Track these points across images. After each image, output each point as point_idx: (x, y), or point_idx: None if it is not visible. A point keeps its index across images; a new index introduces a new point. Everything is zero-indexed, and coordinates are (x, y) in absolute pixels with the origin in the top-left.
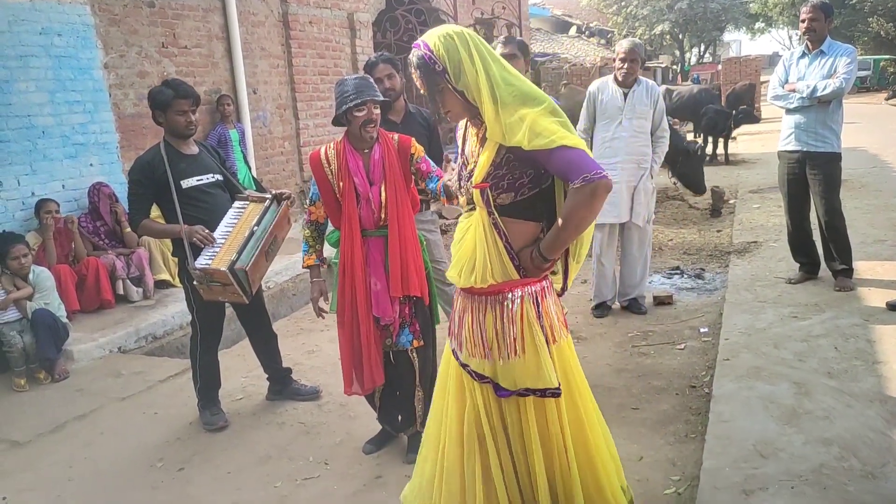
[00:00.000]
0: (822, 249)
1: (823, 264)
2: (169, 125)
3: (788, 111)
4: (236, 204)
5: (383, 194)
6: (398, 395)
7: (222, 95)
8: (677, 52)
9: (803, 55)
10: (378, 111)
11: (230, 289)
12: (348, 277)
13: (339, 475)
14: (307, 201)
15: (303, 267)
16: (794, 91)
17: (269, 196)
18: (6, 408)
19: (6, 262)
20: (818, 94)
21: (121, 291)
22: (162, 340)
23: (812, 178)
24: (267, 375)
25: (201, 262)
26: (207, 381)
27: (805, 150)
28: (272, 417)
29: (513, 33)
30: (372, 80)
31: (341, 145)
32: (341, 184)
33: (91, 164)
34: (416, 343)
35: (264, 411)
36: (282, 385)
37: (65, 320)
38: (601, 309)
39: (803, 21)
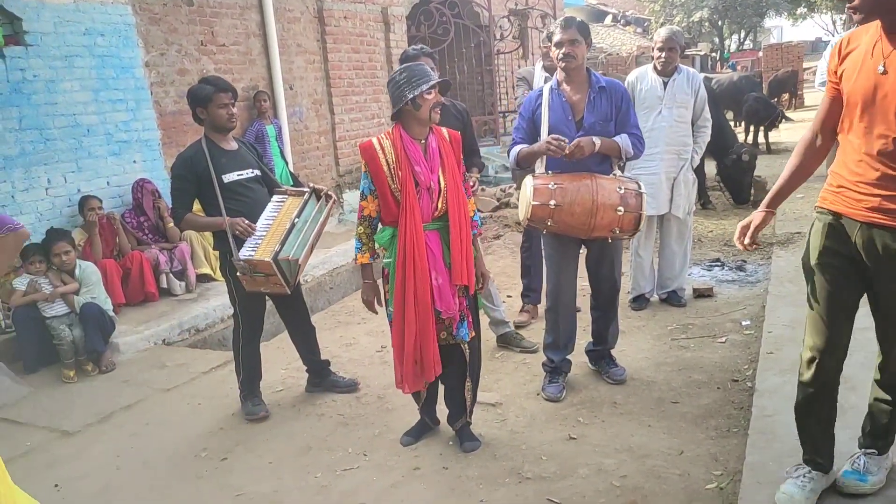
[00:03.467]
0: None
1: None
2: (211, 120)
3: None
4: (275, 198)
5: (442, 182)
6: (444, 387)
7: (259, 92)
8: (716, 40)
9: None
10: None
11: (273, 279)
12: (409, 272)
13: (378, 466)
14: (361, 195)
15: (357, 264)
16: None
17: (308, 190)
18: (56, 399)
19: (50, 259)
20: None
21: (164, 285)
22: (204, 333)
23: None
24: (306, 368)
25: (245, 253)
26: (249, 373)
27: None
28: (311, 409)
29: (547, 23)
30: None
31: (396, 133)
32: (400, 173)
33: (134, 161)
34: (471, 334)
35: (304, 403)
36: (321, 377)
37: (111, 313)
38: (639, 301)
39: (850, 6)
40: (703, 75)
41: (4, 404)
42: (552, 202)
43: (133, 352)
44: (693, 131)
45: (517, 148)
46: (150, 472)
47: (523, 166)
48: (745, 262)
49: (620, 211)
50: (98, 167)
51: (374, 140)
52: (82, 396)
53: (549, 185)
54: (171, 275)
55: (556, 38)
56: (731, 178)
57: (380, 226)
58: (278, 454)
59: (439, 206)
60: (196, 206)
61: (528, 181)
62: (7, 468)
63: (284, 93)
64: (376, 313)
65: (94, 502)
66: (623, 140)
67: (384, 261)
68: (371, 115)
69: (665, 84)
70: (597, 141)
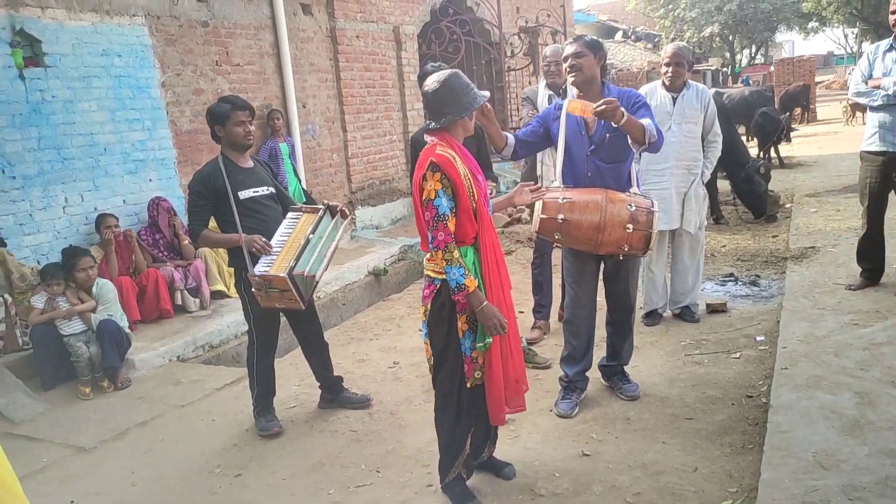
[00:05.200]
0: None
1: (886, 270)
2: (229, 137)
3: (873, 109)
4: (290, 215)
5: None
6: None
7: (273, 110)
8: (727, 55)
9: (890, 48)
10: None
11: (287, 294)
12: (498, 291)
13: (391, 483)
14: (440, 217)
15: (465, 294)
16: (878, 87)
17: (322, 207)
18: (73, 415)
19: (74, 275)
20: None
21: (179, 302)
22: (218, 349)
23: None
24: (319, 384)
25: (260, 269)
26: (263, 389)
27: (892, 150)
28: (325, 425)
29: (557, 40)
30: None
31: (453, 143)
32: (475, 185)
33: (150, 180)
34: None
35: (317, 419)
36: (334, 393)
37: (127, 330)
38: (652, 317)
39: (894, 13)
40: (713, 90)
41: (21, 421)
42: (560, 216)
43: (148, 368)
44: (703, 146)
45: (515, 134)
46: (164, 488)
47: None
48: (758, 276)
49: (629, 228)
50: (114, 185)
51: (444, 153)
52: (98, 413)
53: (559, 199)
54: (185, 292)
55: (564, 53)
56: (747, 193)
57: (460, 248)
58: (292, 470)
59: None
60: (211, 223)
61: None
62: (23, 484)
63: (298, 111)
64: (505, 332)
65: None
66: (647, 123)
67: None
68: (383, 132)
69: (674, 100)
70: (625, 113)
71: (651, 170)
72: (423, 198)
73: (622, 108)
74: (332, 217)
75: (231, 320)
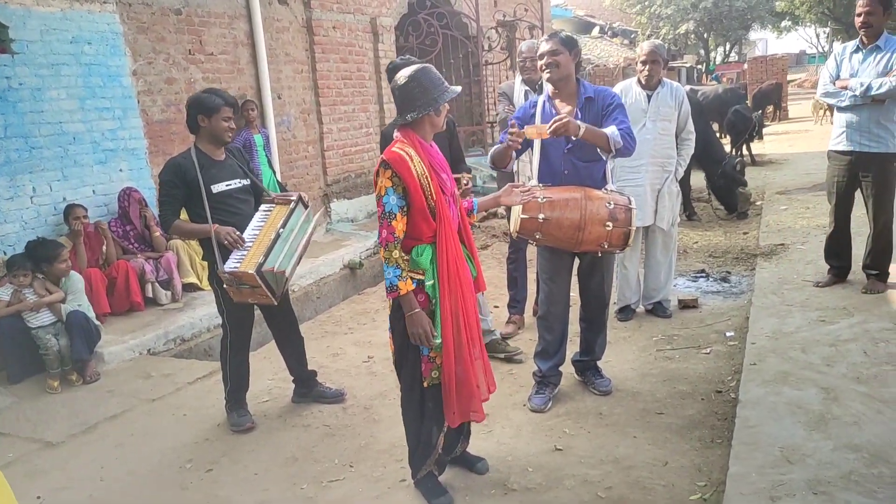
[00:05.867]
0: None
1: (853, 267)
2: (212, 130)
3: (840, 109)
4: (262, 207)
5: (455, 189)
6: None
7: (247, 101)
8: (702, 52)
9: (857, 50)
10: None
11: (258, 291)
12: (456, 291)
13: (364, 477)
14: (386, 214)
15: (397, 295)
16: (846, 88)
17: (294, 198)
18: (40, 409)
19: (55, 266)
20: (872, 91)
21: (150, 294)
22: (190, 343)
23: (865, 179)
24: (293, 378)
25: (230, 265)
26: (236, 383)
27: (858, 150)
28: (298, 420)
29: (535, 35)
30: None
31: (414, 140)
32: (433, 183)
33: (121, 170)
34: None
35: (290, 413)
36: (307, 388)
37: (97, 322)
38: (625, 312)
39: (859, 14)
40: (688, 87)
41: None
42: (541, 215)
43: (118, 362)
44: (677, 144)
45: (493, 148)
46: (134, 483)
47: (498, 166)
48: (729, 273)
49: (609, 226)
50: (84, 175)
51: (399, 150)
52: (66, 407)
53: (539, 199)
54: (156, 284)
55: (539, 50)
56: (722, 189)
57: (415, 246)
58: (264, 465)
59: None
60: (183, 215)
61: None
62: None
63: (272, 102)
64: (433, 345)
65: None
66: (611, 132)
67: (427, 284)
68: (359, 124)
69: (649, 97)
70: (582, 125)
71: (625, 166)
72: (376, 194)
73: (576, 122)
74: (306, 208)
75: (203, 313)
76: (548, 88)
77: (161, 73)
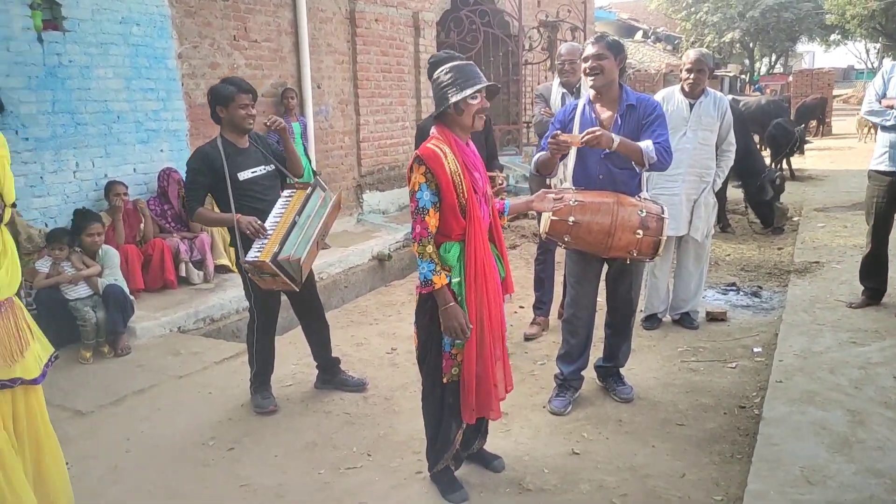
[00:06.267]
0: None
1: (889, 290)
2: (230, 119)
3: (884, 128)
4: (284, 194)
5: (488, 189)
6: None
7: (287, 89)
8: (747, 62)
9: None
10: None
11: (279, 279)
12: (482, 290)
13: (381, 467)
14: (419, 210)
15: (431, 289)
16: (891, 107)
17: (312, 183)
18: (72, 378)
19: (81, 238)
20: None
21: (183, 273)
22: (219, 323)
23: None
24: (316, 364)
25: (251, 255)
26: (262, 366)
27: None
28: (319, 406)
29: (577, 37)
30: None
31: (450, 138)
32: (465, 181)
33: (161, 150)
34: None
35: (312, 399)
36: (330, 374)
37: (131, 297)
38: (651, 321)
39: None
40: (730, 97)
41: None
42: (571, 218)
43: (149, 337)
44: (717, 155)
45: (538, 154)
46: (158, 456)
47: (543, 173)
48: (760, 288)
49: (639, 234)
50: (126, 154)
51: (434, 147)
52: (97, 378)
53: (570, 202)
54: (190, 264)
55: (584, 53)
56: (759, 203)
57: (444, 243)
58: (284, 448)
59: (489, 212)
60: (210, 200)
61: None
62: None
63: (312, 91)
64: (467, 338)
65: (103, 482)
66: (646, 146)
67: (453, 281)
68: (396, 117)
69: (692, 106)
70: (616, 138)
71: (663, 175)
72: (409, 189)
73: (610, 136)
74: (323, 192)
75: (233, 295)
76: (589, 92)
77: (206, 57)
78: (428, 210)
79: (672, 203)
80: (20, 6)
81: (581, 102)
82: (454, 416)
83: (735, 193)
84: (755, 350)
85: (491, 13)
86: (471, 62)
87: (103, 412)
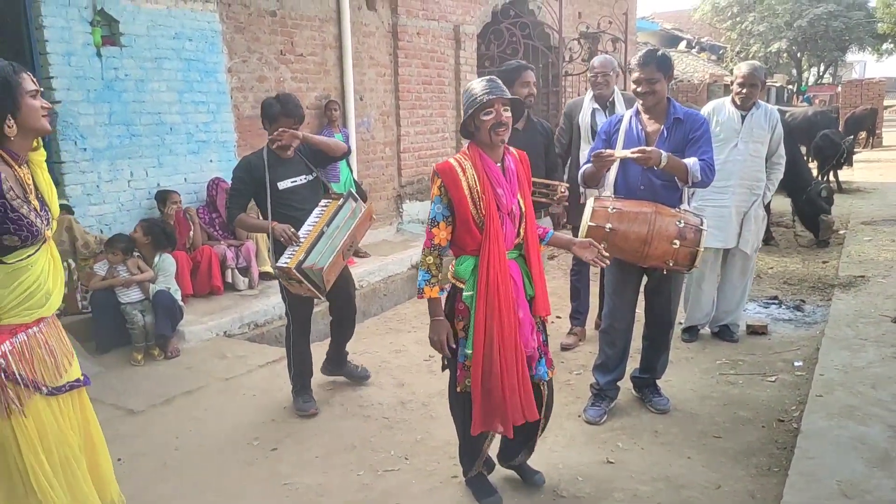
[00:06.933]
0: None
1: None
2: (271, 136)
3: None
4: (321, 203)
5: (522, 206)
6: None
7: (330, 101)
8: (794, 72)
9: None
10: (508, 113)
11: (304, 285)
12: (494, 306)
13: (418, 470)
14: (430, 220)
15: (422, 298)
16: None
17: (345, 195)
18: (124, 379)
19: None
20: None
21: (229, 280)
22: (263, 328)
23: None
24: (328, 352)
25: (281, 261)
26: (300, 369)
27: None
28: (358, 410)
29: (618, 48)
30: (499, 80)
31: (475, 154)
32: (484, 197)
33: (211, 161)
34: (551, 373)
35: (352, 403)
36: (336, 367)
37: (181, 303)
38: (691, 333)
39: None
40: (776, 108)
41: None
42: (608, 225)
43: (197, 341)
44: (766, 167)
45: (583, 167)
46: (205, 454)
47: (589, 185)
48: (803, 302)
49: (676, 244)
50: (177, 164)
51: (453, 161)
52: (148, 379)
53: (609, 209)
54: (236, 271)
55: (634, 74)
56: (805, 215)
57: (460, 256)
58: (325, 449)
59: (520, 232)
60: (253, 208)
61: (590, 202)
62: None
63: (354, 103)
64: (449, 355)
65: (153, 478)
66: (692, 164)
67: (465, 294)
68: (436, 129)
69: (743, 118)
70: (664, 157)
71: (713, 186)
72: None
73: (658, 154)
74: (356, 202)
75: (276, 301)
76: (637, 104)
77: (254, 71)
78: (438, 222)
79: (721, 215)
80: (81, 23)
81: (627, 114)
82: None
83: (779, 206)
84: (796, 364)
85: (531, 25)
86: (491, 77)
87: (153, 411)
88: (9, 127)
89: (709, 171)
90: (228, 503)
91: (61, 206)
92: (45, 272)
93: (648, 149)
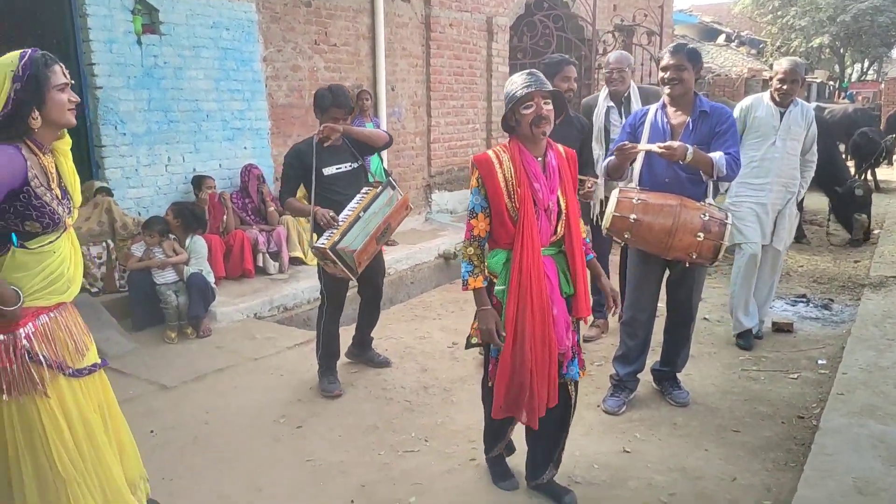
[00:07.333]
0: None
1: None
2: (323, 123)
3: None
4: (363, 190)
5: (562, 203)
6: (536, 433)
7: (362, 91)
8: (836, 68)
9: None
10: (550, 107)
11: (338, 266)
12: (525, 302)
13: (437, 452)
14: (469, 212)
15: (467, 289)
16: None
17: (384, 183)
18: (158, 356)
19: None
20: None
21: (260, 263)
22: (291, 311)
23: None
24: (353, 337)
25: (319, 242)
26: (328, 350)
27: None
28: (382, 392)
29: (653, 41)
30: (539, 73)
31: (514, 148)
32: (519, 190)
33: (245, 147)
34: (582, 373)
35: (375, 386)
36: (361, 350)
37: (213, 285)
38: (745, 339)
39: None
40: (815, 104)
41: (113, 356)
42: (633, 216)
43: (228, 322)
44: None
45: (607, 159)
46: (234, 430)
47: (613, 177)
48: (832, 300)
49: (700, 237)
50: (213, 150)
51: (491, 153)
52: (181, 356)
53: (634, 200)
54: (267, 255)
55: (663, 62)
56: (843, 214)
57: (493, 249)
58: (348, 429)
59: (558, 229)
60: (302, 192)
61: (615, 192)
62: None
63: (386, 93)
64: (500, 345)
65: (184, 451)
66: (718, 158)
67: (496, 288)
68: (466, 119)
69: (781, 115)
70: (690, 149)
71: (749, 183)
72: None
73: (685, 148)
74: (393, 190)
75: (306, 286)
76: (665, 98)
77: (288, 60)
78: (477, 214)
79: (758, 213)
80: (123, 12)
81: (653, 108)
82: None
83: (813, 204)
84: (820, 362)
85: (565, 17)
86: (532, 70)
87: (185, 388)
88: (34, 119)
89: (734, 165)
90: (254, 477)
91: (101, 188)
92: (68, 259)
93: (675, 144)
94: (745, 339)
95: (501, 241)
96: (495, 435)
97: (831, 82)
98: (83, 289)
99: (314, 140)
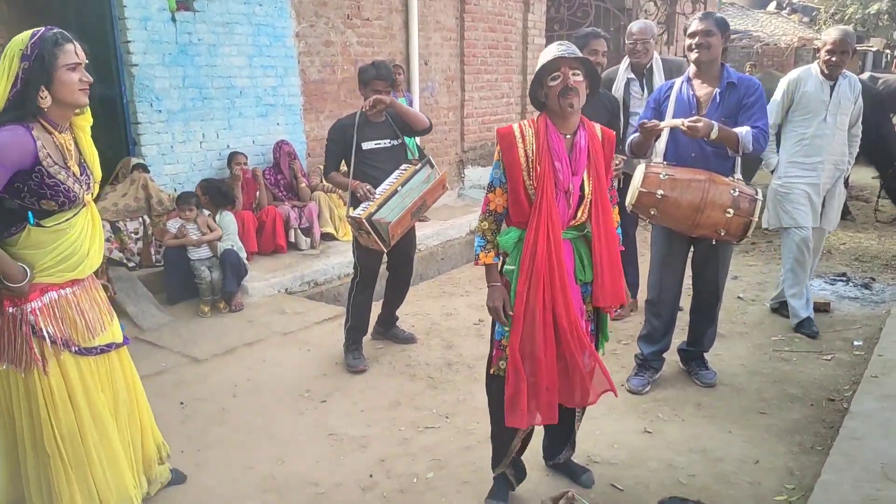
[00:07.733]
0: None
1: None
2: (365, 97)
3: None
4: (402, 166)
5: (587, 188)
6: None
7: (395, 65)
8: (894, 35)
9: None
10: (580, 77)
11: (371, 237)
12: (537, 284)
13: (457, 429)
14: (488, 185)
15: (479, 264)
16: None
17: (423, 161)
18: (191, 329)
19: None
20: None
21: (292, 239)
22: (321, 287)
23: None
24: (379, 316)
25: (356, 212)
26: (356, 322)
27: None
28: (405, 369)
29: (697, 8)
30: (571, 43)
31: (541, 123)
32: (539, 168)
33: (278, 124)
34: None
35: (399, 362)
36: (385, 328)
37: (245, 260)
38: (807, 327)
39: None
40: (868, 74)
41: (148, 328)
42: (660, 192)
43: (259, 296)
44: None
45: (631, 136)
46: (260, 402)
47: (637, 154)
48: (873, 280)
49: (730, 213)
50: (246, 126)
51: (515, 126)
52: (212, 330)
53: (661, 175)
54: (299, 231)
55: (691, 28)
56: (891, 190)
57: (504, 226)
58: (371, 404)
59: (578, 213)
60: (343, 169)
61: (641, 167)
62: (144, 384)
63: (419, 68)
64: (506, 323)
65: (212, 421)
66: (745, 133)
67: (506, 268)
68: (501, 94)
69: (832, 88)
70: (715, 127)
71: (800, 163)
72: None
73: (710, 124)
74: (432, 168)
75: (336, 262)
76: (690, 70)
77: (321, 35)
78: (495, 188)
79: (808, 192)
80: None
81: (678, 81)
82: (501, 414)
83: (860, 179)
84: (855, 343)
85: None
86: (563, 41)
87: (216, 360)
88: (42, 98)
89: (762, 140)
90: (279, 448)
91: (138, 164)
92: (82, 236)
93: (699, 122)
94: (807, 327)
95: (514, 219)
96: (499, 444)
97: (888, 51)
98: (120, 263)
99: (357, 115)
